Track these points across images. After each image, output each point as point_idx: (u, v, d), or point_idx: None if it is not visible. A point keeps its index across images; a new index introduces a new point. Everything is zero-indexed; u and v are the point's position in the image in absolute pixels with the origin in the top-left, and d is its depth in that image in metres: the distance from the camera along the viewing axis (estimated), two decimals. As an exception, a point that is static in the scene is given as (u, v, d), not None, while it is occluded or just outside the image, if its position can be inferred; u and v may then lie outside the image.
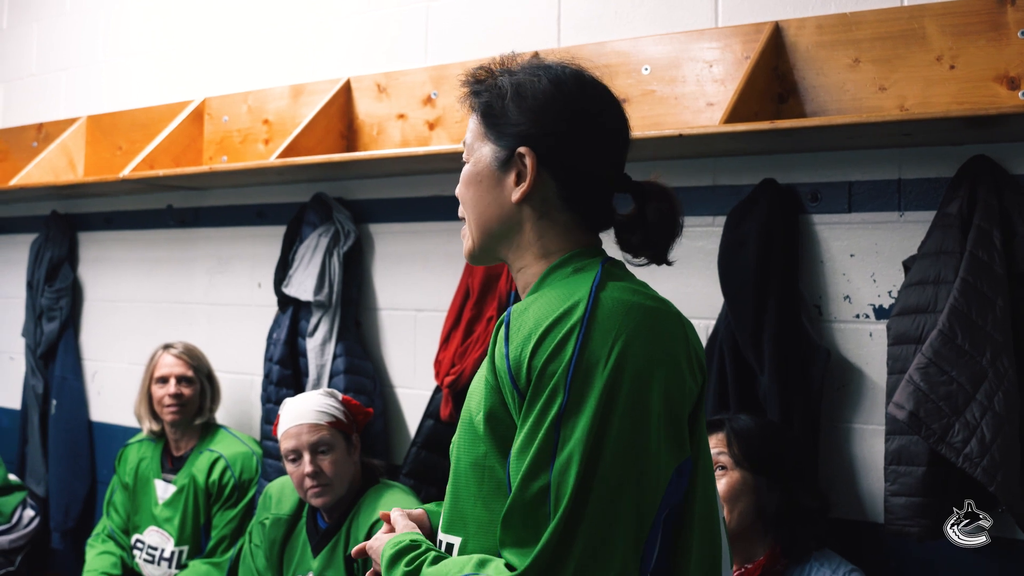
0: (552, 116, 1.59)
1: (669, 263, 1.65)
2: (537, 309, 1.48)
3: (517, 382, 1.45)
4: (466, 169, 1.66)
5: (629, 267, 1.66)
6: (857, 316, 2.76)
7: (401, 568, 1.54)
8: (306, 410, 2.94)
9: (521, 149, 1.58)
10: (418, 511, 1.80)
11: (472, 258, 1.70)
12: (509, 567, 1.40)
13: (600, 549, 1.36)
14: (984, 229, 2.49)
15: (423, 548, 1.57)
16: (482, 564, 1.44)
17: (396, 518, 1.76)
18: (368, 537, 2.80)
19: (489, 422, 1.49)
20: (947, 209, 2.56)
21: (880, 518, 2.62)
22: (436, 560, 1.52)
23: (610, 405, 1.39)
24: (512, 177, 1.60)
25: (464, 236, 1.70)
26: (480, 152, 1.64)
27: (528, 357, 1.44)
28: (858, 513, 2.73)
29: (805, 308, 2.79)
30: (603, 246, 1.67)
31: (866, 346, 2.74)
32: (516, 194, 1.59)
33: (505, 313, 1.53)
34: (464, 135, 1.71)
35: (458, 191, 1.69)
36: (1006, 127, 2.46)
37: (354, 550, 1.77)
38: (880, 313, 2.71)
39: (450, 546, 1.56)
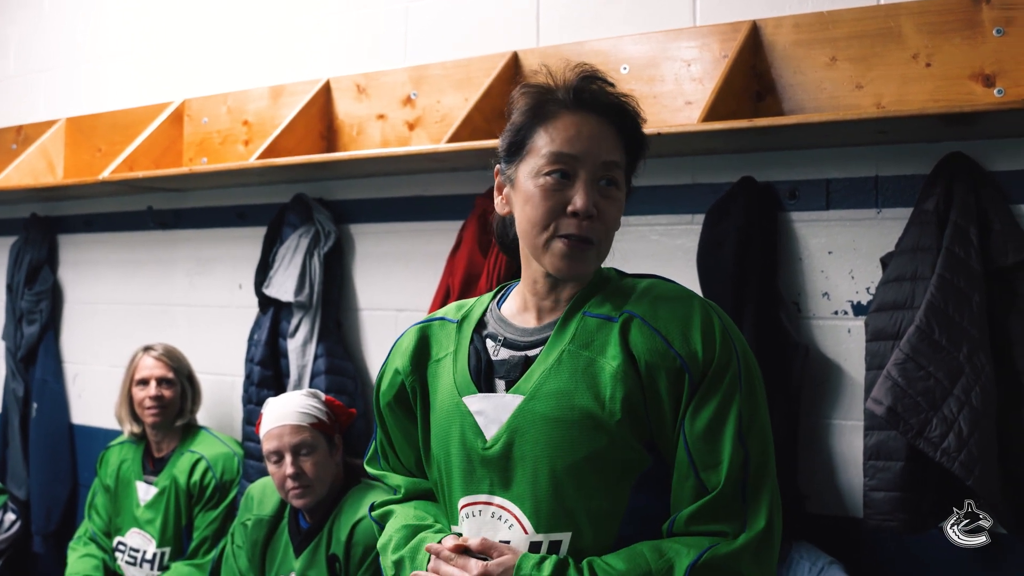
0: None
1: None
2: (669, 308, 1.63)
3: (691, 371, 1.58)
4: (619, 195, 1.69)
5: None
6: (835, 313, 2.78)
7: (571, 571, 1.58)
8: (288, 411, 2.93)
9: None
10: (489, 541, 1.66)
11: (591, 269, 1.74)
12: (725, 534, 1.56)
13: (775, 495, 1.61)
14: (960, 225, 2.51)
15: (570, 564, 1.58)
16: (711, 542, 1.55)
17: (492, 569, 1.61)
18: (350, 538, 2.82)
19: (626, 414, 1.58)
20: (924, 206, 2.58)
21: (859, 513, 2.64)
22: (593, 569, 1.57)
23: (759, 386, 1.64)
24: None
25: (593, 260, 1.68)
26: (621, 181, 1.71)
27: (700, 348, 1.59)
28: (838, 508, 2.75)
29: (784, 305, 2.80)
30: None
31: (844, 342, 2.76)
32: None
33: (620, 313, 1.64)
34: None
35: (612, 214, 1.67)
36: (982, 124, 2.48)
37: None
38: (858, 309, 2.73)
39: (553, 543, 1.61)
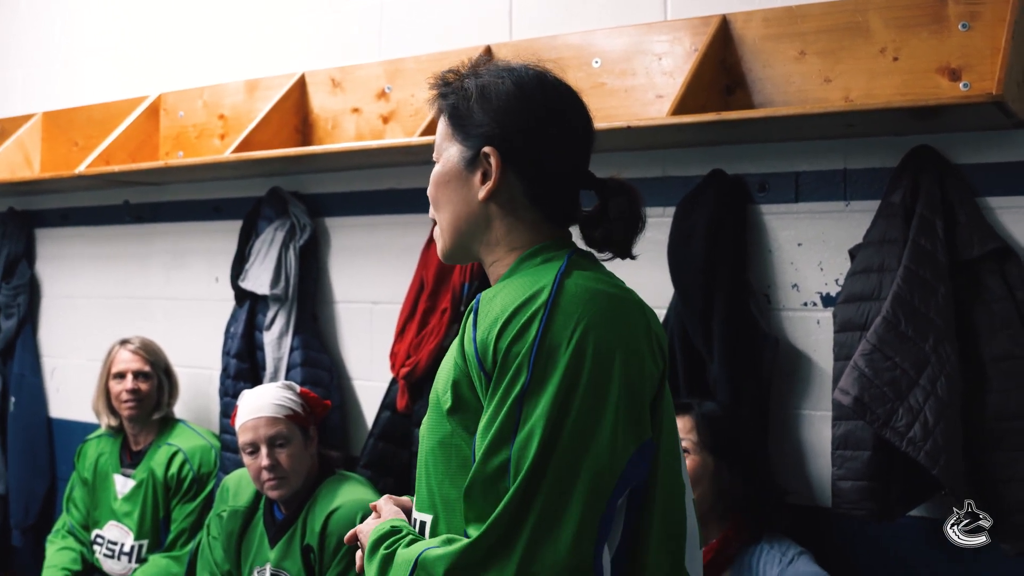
0: (515, 116, 1.64)
1: (633, 257, 1.70)
2: (504, 295, 1.54)
3: (484, 364, 1.50)
4: (436, 170, 1.71)
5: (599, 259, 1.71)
6: (805, 304, 2.80)
7: (380, 552, 1.58)
8: (264, 403, 2.95)
9: (486, 149, 1.63)
10: (405, 498, 1.82)
11: (446, 257, 1.74)
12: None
13: (553, 522, 1.41)
14: (926, 218, 2.54)
15: (403, 533, 1.61)
16: (448, 541, 1.49)
17: (382, 505, 1.78)
18: (324, 528, 2.84)
19: (455, 402, 1.55)
20: (891, 198, 2.61)
21: (828, 502, 2.66)
22: (411, 543, 1.56)
23: (571, 385, 1.44)
24: (478, 176, 1.64)
25: (437, 236, 1.73)
26: (448, 152, 1.69)
27: (494, 339, 1.49)
28: (807, 498, 2.78)
29: (754, 297, 2.83)
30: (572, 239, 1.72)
31: (814, 333, 2.79)
32: (482, 192, 1.64)
33: (475, 299, 1.58)
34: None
35: (429, 191, 1.72)
36: (948, 117, 2.51)
37: (347, 536, 1.79)
38: (827, 301, 2.76)
39: (423, 524, 1.61)
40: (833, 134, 2.74)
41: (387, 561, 1.56)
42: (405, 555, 1.52)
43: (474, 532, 1.44)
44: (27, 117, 4.56)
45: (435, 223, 1.74)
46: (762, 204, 2.86)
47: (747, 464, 2.59)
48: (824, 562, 2.56)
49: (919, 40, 2.64)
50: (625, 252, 1.69)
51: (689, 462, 2.53)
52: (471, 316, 1.56)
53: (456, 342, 1.59)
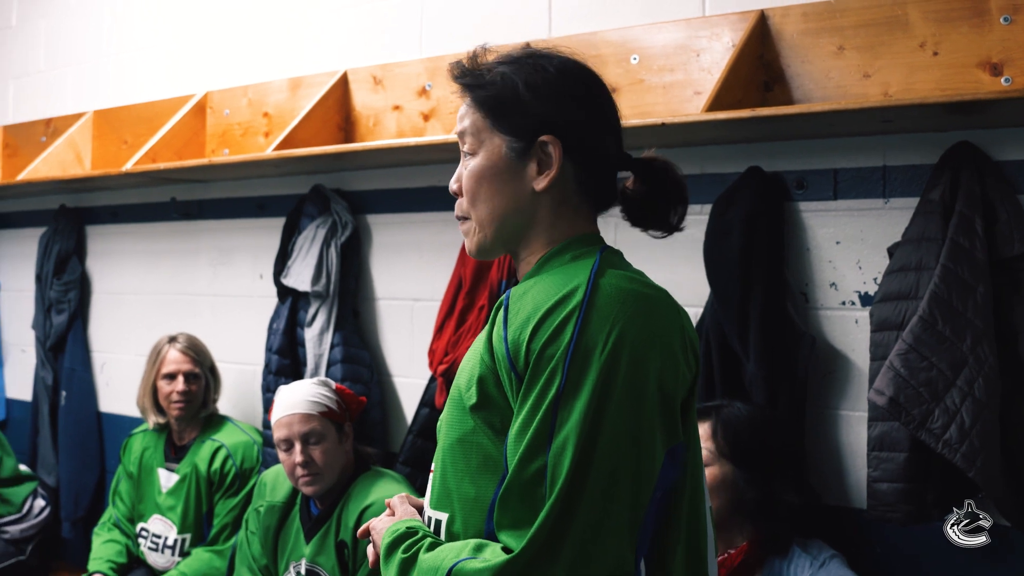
0: (567, 103, 1.62)
1: (680, 229, 1.68)
2: (537, 293, 1.51)
3: (515, 364, 1.47)
4: (476, 163, 1.65)
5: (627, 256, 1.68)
6: (843, 303, 2.76)
7: (399, 555, 1.55)
8: (298, 400, 2.97)
9: (544, 137, 1.59)
10: (420, 500, 1.80)
11: (482, 252, 1.68)
12: (506, 550, 1.42)
13: (597, 531, 1.38)
14: (966, 215, 2.49)
15: (420, 535, 1.58)
16: (479, 548, 1.45)
17: (396, 504, 1.77)
18: (358, 524, 2.85)
19: (481, 398, 1.52)
20: (930, 196, 2.56)
21: (864, 504, 2.62)
22: (432, 546, 1.53)
23: (607, 388, 1.41)
24: (533, 167, 1.61)
25: (469, 232, 1.68)
26: (490, 144, 1.63)
27: (527, 340, 1.46)
28: (843, 499, 2.74)
29: (791, 295, 2.79)
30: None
31: (852, 333, 2.75)
32: (542, 183, 1.60)
33: (504, 296, 1.56)
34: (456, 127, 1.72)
35: (465, 186, 1.66)
36: (988, 113, 2.45)
37: (360, 531, 1.79)
38: (865, 300, 2.72)
39: (438, 522, 1.59)
40: (872, 130, 2.70)
41: (408, 565, 1.53)
42: (430, 562, 1.49)
43: (510, 541, 1.41)
44: (78, 116, 4.64)
45: (462, 220, 1.69)
46: (800, 202, 2.83)
47: (773, 470, 2.52)
48: (859, 565, 2.53)
49: (959, 34, 2.59)
50: (673, 227, 1.67)
51: (706, 473, 2.48)
52: (501, 312, 1.53)
53: (483, 337, 1.56)
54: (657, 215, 1.66)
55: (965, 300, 2.43)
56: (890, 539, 2.65)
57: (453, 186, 1.69)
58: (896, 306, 2.54)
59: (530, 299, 1.51)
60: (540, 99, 1.60)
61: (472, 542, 1.48)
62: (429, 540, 1.56)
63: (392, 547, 1.58)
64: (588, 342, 1.43)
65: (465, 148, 1.67)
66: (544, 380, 1.43)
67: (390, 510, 1.77)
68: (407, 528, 1.61)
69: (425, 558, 1.51)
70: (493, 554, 1.42)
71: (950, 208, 2.52)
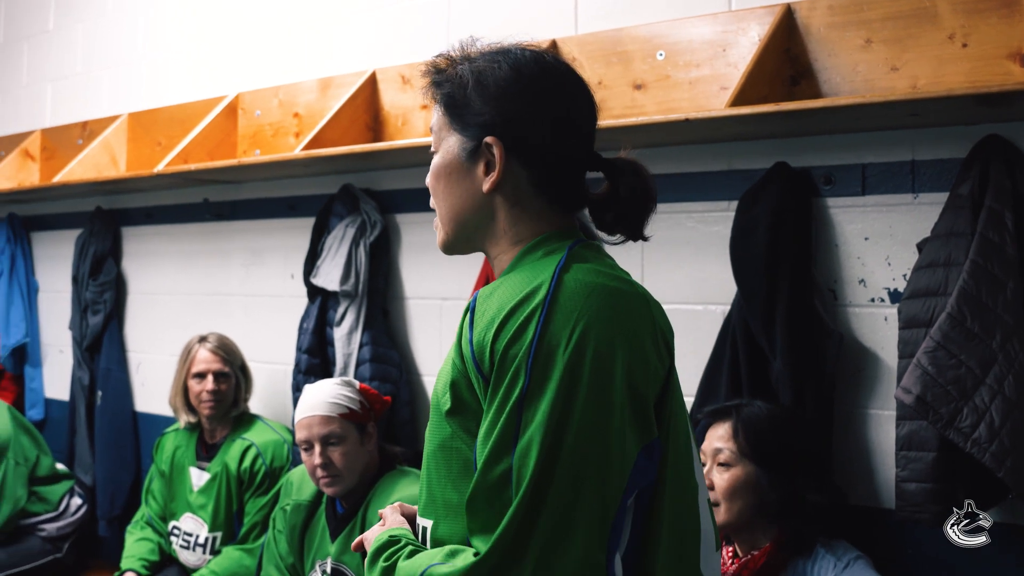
0: (516, 102, 1.57)
1: (645, 239, 1.63)
2: (501, 293, 1.48)
3: (481, 366, 1.45)
4: (435, 160, 1.65)
5: (608, 249, 1.65)
6: (872, 300, 2.72)
7: (380, 564, 1.55)
8: (318, 401, 2.96)
9: (488, 139, 1.56)
10: (413, 507, 1.77)
11: (446, 248, 1.68)
12: (477, 554, 1.40)
13: (563, 531, 1.36)
14: (995, 210, 2.44)
15: (402, 543, 1.57)
16: (452, 554, 1.44)
17: (387, 513, 1.75)
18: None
19: (455, 404, 1.50)
20: (959, 190, 2.52)
21: (893, 504, 2.58)
22: (412, 554, 1.52)
23: (571, 386, 1.38)
24: (481, 167, 1.58)
25: (436, 227, 1.68)
26: (447, 143, 1.62)
27: (491, 341, 1.43)
28: (872, 499, 2.69)
29: (819, 292, 2.76)
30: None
31: (881, 330, 2.71)
32: (486, 184, 1.57)
33: (472, 298, 1.53)
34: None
35: (428, 182, 1.67)
36: (1019, 105, 2.41)
37: (353, 544, 1.77)
38: (895, 297, 2.68)
39: (425, 529, 1.57)
40: (900, 124, 2.66)
41: (387, 574, 1.53)
42: (406, 570, 1.48)
43: (480, 545, 1.39)
44: (113, 118, 4.69)
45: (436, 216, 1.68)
46: (828, 197, 2.79)
47: (796, 473, 2.47)
48: (886, 567, 2.49)
49: (989, 25, 2.54)
50: (637, 234, 1.62)
51: (728, 475, 2.45)
52: (468, 315, 1.50)
53: (454, 341, 1.53)
54: (622, 220, 1.61)
55: (995, 296, 2.38)
56: (919, 540, 2.61)
57: (427, 181, 1.68)
58: (924, 303, 2.49)
59: (495, 299, 1.48)
60: (487, 99, 1.58)
61: (447, 548, 1.47)
62: (410, 548, 1.55)
63: (375, 556, 1.58)
64: (551, 340, 1.40)
65: (431, 144, 1.67)
66: (508, 381, 1.41)
67: (382, 520, 1.75)
68: (390, 537, 1.60)
69: (403, 566, 1.50)
70: (463, 559, 1.41)
71: (979, 203, 2.47)
